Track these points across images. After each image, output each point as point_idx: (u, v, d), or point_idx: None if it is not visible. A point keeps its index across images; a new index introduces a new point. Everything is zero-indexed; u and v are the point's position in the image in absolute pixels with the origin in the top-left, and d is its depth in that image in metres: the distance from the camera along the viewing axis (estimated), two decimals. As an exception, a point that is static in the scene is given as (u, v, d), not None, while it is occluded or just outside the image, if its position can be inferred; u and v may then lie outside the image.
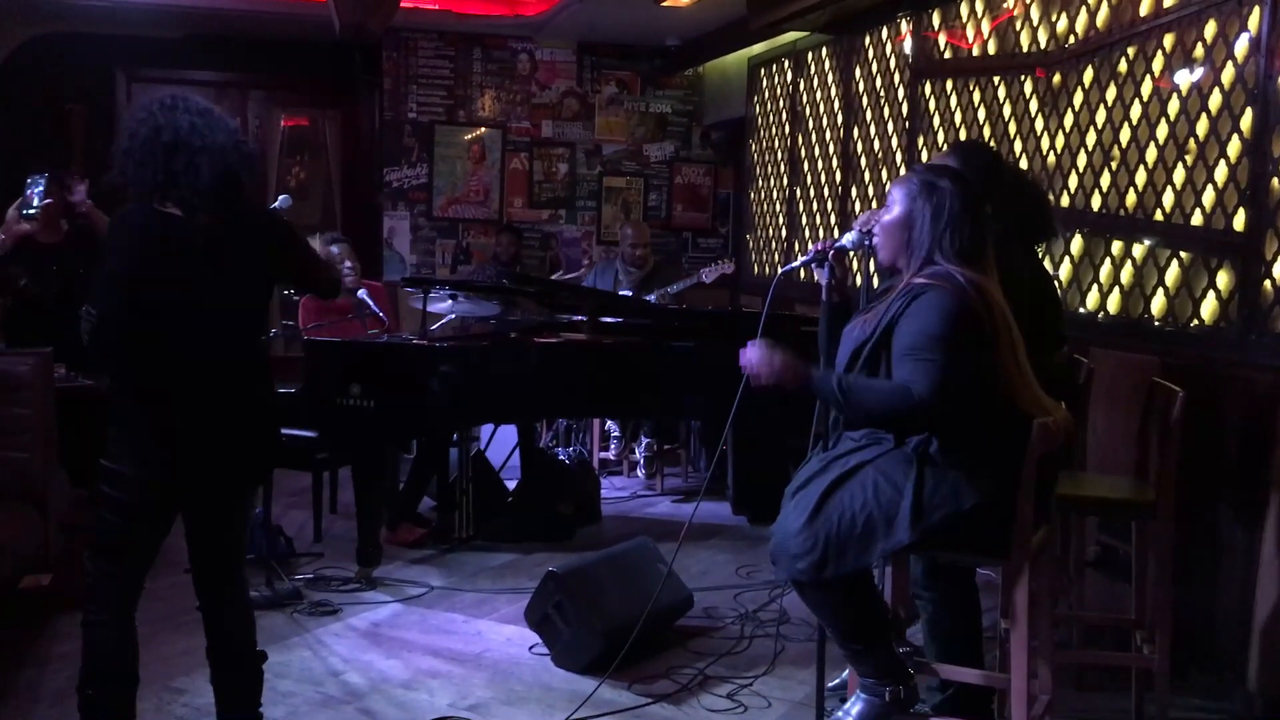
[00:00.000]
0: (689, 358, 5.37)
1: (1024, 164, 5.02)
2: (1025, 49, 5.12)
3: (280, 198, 4.09)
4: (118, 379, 2.93)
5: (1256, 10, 3.82)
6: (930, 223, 2.87)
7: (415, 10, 7.79)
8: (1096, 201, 4.60)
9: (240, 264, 2.93)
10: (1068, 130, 4.79)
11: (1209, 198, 4.02)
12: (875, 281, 3.43)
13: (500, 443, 6.30)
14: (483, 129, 8.84)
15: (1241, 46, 3.91)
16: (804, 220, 7.39)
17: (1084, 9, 4.72)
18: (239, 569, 3.10)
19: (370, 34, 6.97)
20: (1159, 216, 4.27)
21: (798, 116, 7.48)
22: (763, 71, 8.04)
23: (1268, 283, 3.75)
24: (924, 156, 5.88)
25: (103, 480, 2.89)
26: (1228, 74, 3.95)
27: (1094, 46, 4.64)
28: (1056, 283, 4.63)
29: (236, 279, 2.92)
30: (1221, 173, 3.97)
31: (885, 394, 2.78)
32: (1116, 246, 4.50)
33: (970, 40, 5.55)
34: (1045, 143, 4.94)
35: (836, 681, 3.58)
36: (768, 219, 8.00)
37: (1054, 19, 4.92)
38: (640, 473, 6.92)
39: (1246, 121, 3.86)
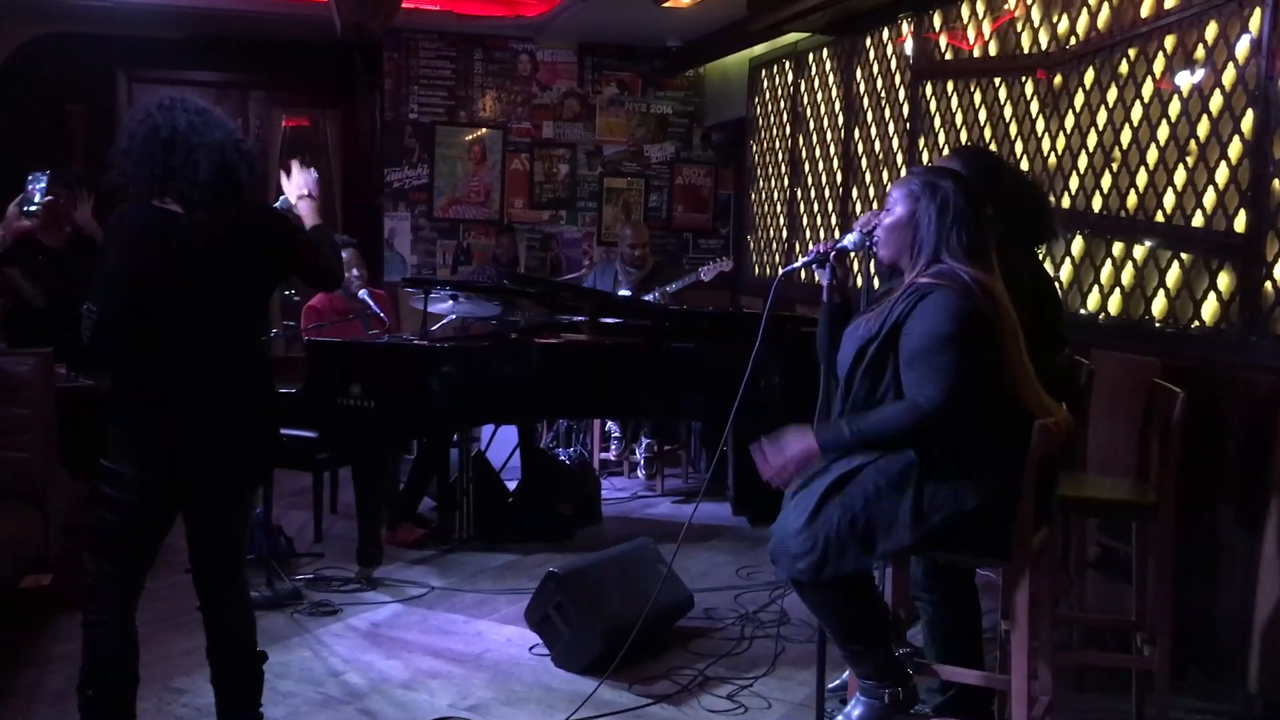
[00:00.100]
0: (689, 358, 5.37)
1: (1025, 165, 5.02)
2: (1026, 50, 5.12)
3: (281, 198, 4.08)
4: (118, 379, 2.93)
5: (1257, 11, 3.82)
6: (935, 221, 2.87)
7: (416, 11, 7.80)
8: (1097, 203, 4.60)
9: (240, 263, 2.93)
10: (1068, 131, 4.79)
11: (1210, 199, 4.02)
12: (875, 283, 3.42)
13: (501, 443, 6.30)
14: (484, 130, 8.84)
15: (1242, 48, 3.91)
16: (805, 221, 7.39)
17: (1085, 10, 4.72)
18: (239, 569, 3.10)
19: (371, 34, 6.98)
20: (1160, 218, 4.27)
21: (798, 117, 7.48)
22: (763, 72, 8.05)
23: (1269, 284, 3.75)
24: (925, 158, 5.89)
25: (103, 480, 2.89)
26: (1229, 75, 3.95)
27: (1095, 48, 4.64)
28: (1057, 284, 4.63)
29: (237, 278, 2.92)
30: (1222, 174, 3.97)
31: (895, 418, 2.76)
32: (1117, 248, 4.51)
33: (971, 41, 5.55)
34: (1046, 144, 4.94)
35: (837, 683, 3.58)
36: (768, 220, 8.00)
37: (1055, 20, 4.92)
38: (640, 473, 6.92)
39: (1247, 123, 3.86)
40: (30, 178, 2.95)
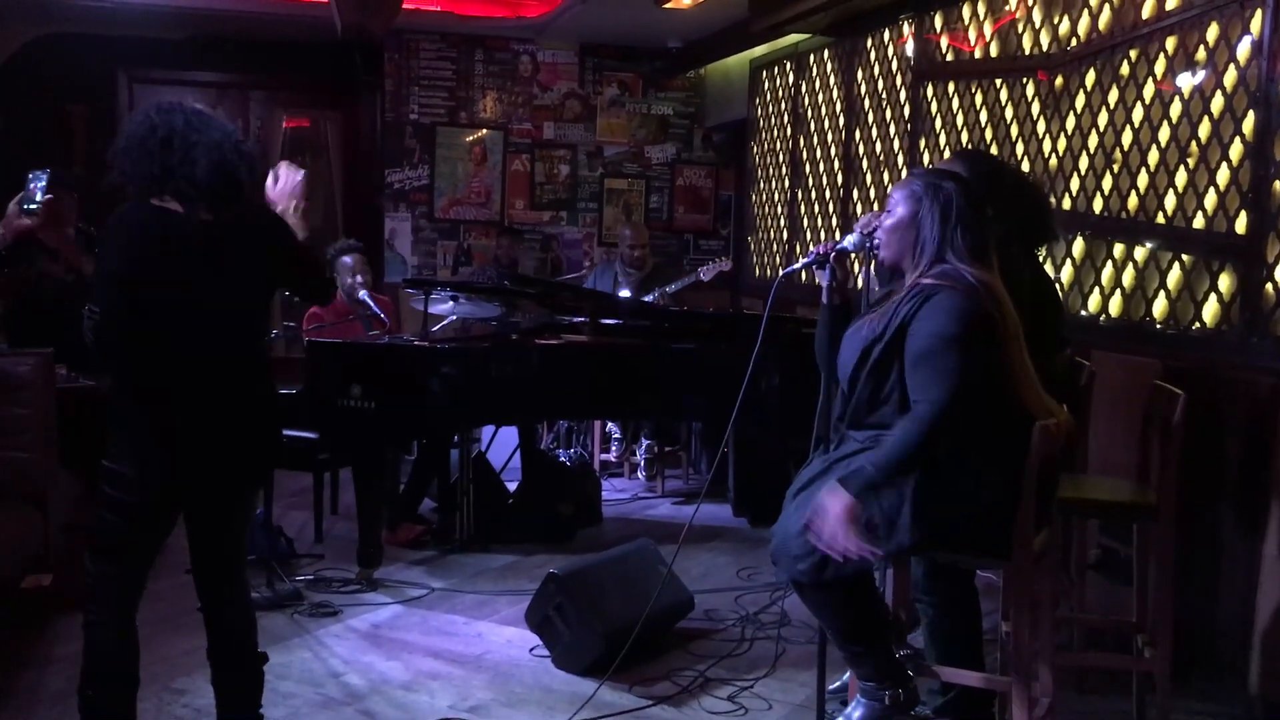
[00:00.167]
0: (690, 359, 5.37)
1: (1026, 166, 5.01)
2: (1027, 51, 5.12)
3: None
4: (118, 379, 2.93)
5: (1259, 13, 3.82)
6: (939, 222, 2.87)
7: (417, 12, 7.79)
8: (1098, 204, 4.60)
9: (240, 263, 2.93)
10: (1069, 133, 4.79)
11: (1211, 201, 4.02)
12: (875, 285, 3.42)
13: (501, 444, 6.30)
14: (484, 130, 8.84)
15: (1243, 49, 3.91)
16: (805, 222, 7.39)
17: (1086, 12, 4.72)
18: (240, 569, 3.10)
19: (372, 35, 6.98)
20: (1161, 219, 4.26)
21: (799, 118, 7.48)
22: (764, 73, 8.05)
23: (1269, 286, 3.75)
24: (926, 159, 5.89)
25: (103, 481, 2.89)
26: (1230, 77, 3.95)
27: (1096, 49, 4.64)
28: (1058, 285, 4.63)
29: (237, 278, 2.92)
30: (1223, 175, 3.97)
31: (905, 437, 2.74)
32: (1118, 249, 4.50)
33: (972, 43, 5.55)
34: (1047, 145, 4.94)
35: (837, 684, 3.57)
36: (769, 221, 8.00)
37: (1056, 22, 4.92)
38: (641, 474, 6.91)
39: (1248, 124, 3.86)
40: (30, 176, 2.95)
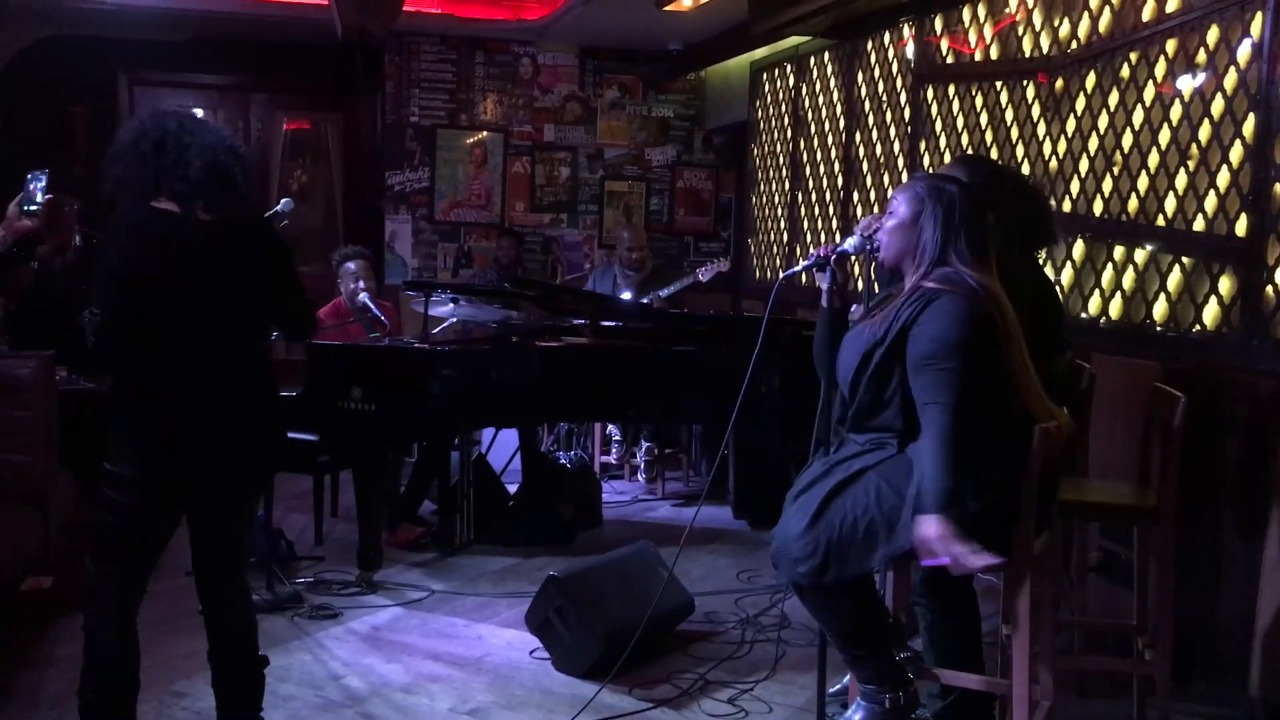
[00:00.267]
0: (690, 362, 5.37)
1: (1026, 169, 5.01)
2: (1028, 54, 5.12)
3: (282, 201, 4.09)
4: (118, 380, 2.93)
5: (1259, 16, 3.82)
6: (941, 224, 2.87)
7: (417, 14, 7.80)
8: (1099, 206, 4.60)
9: (240, 263, 2.93)
10: (1070, 135, 4.79)
11: (1211, 203, 4.02)
12: (875, 287, 3.42)
13: (501, 446, 6.30)
14: (485, 133, 8.84)
15: (1244, 52, 3.91)
16: (805, 225, 7.39)
17: (1086, 14, 4.72)
18: (240, 569, 3.09)
19: (372, 37, 6.98)
20: (1161, 222, 4.26)
21: (800, 121, 7.48)
22: (765, 76, 8.05)
23: (1270, 288, 3.75)
24: (926, 161, 5.89)
25: (104, 483, 2.89)
26: (1230, 79, 3.95)
27: (1096, 51, 4.64)
28: (1058, 288, 4.63)
29: (236, 278, 2.92)
30: (1224, 178, 3.97)
31: (939, 441, 2.70)
32: (1118, 252, 4.50)
33: (972, 45, 5.55)
34: (1047, 148, 4.94)
35: (838, 687, 3.57)
36: (769, 223, 8.00)
37: (1056, 24, 4.92)
38: (641, 477, 6.91)
39: (1249, 127, 3.86)
40: (30, 176, 2.94)
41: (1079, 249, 4.72)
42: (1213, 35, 4.04)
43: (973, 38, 5.54)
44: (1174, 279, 4.20)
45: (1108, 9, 4.60)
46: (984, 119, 5.42)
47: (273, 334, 3.43)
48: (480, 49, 8.75)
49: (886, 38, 6.34)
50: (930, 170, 5.61)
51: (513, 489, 5.90)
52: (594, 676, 3.83)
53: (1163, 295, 4.24)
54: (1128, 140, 4.44)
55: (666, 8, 7.07)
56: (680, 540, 3.86)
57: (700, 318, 6.18)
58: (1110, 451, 4.15)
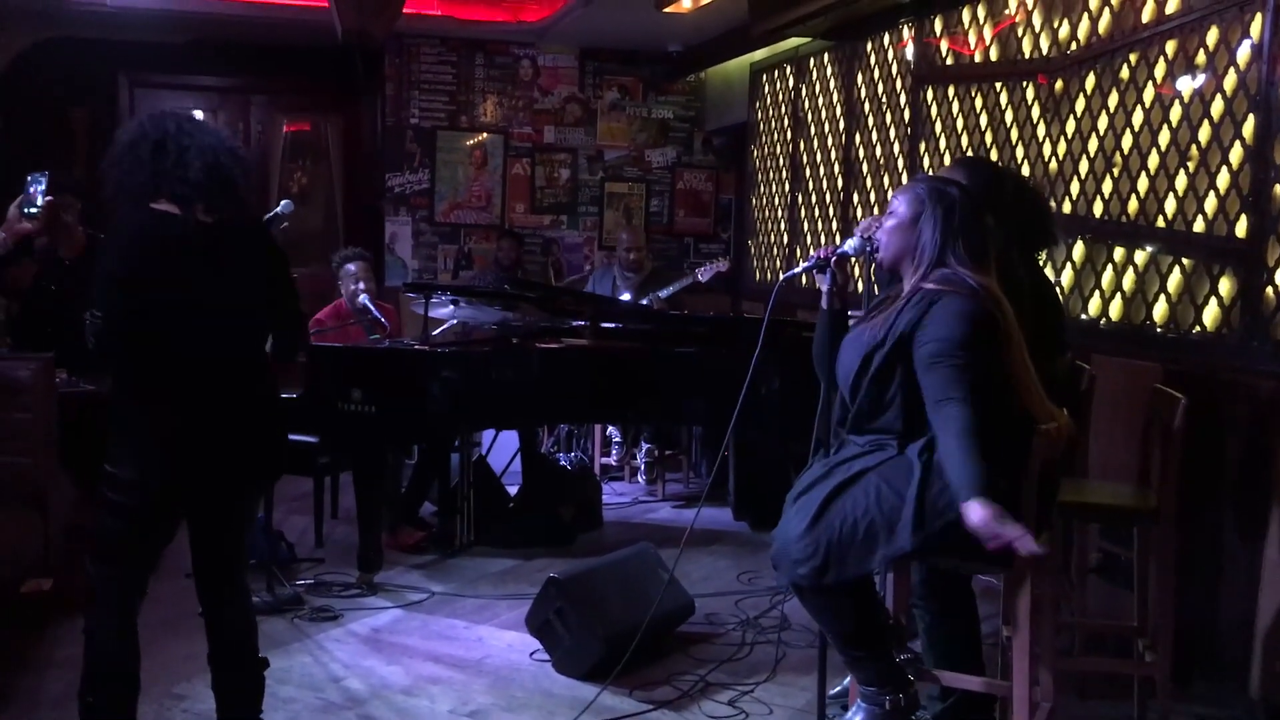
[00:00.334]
0: (690, 363, 5.36)
1: (1026, 170, 5.02)
2: (1027, 55, 5.12)
3: (282, 203, 4.09)
4: (118, 381, 2.93)
5: (1259, 16, 3.82)
6: (941, 225, 2.87)
7: (418, 16, 7.80)
8: (1098, 208, 4.60)
9: (240, 264, 2.93)
10: (1070, 136, 4.79)
11: (1211, 204, 4.02)
12: (875, 289, 3.42)
13: (502, 448, 6.30)
14: (485, 134, 8.85)
15: (1244, 53, 3.91)
16: (805, 226, 7.39)
17: (1086, 15, 4.72)
18: (240, 570, 3.09)
19: (373, 39, 6.98)
20: (1161, 223, 4.27)
21: (799, 122, 7.48)
22: (765, 77, 8.05)
23: (1270, 289, 3.75)
24: (926, 163, 5.89)
25: (104, 485, 2.89)
26: (1230, 80, 3.95)
27: (1096, 53, 4.64)
28: (1058, 289, 4.63)
29: (236, 278, 2.92)
30: (1224, 179, 3.97)
31: (963, 432, 2.68)
32: (1119, 253, 4.50)
33: (972, 46, 5.55)
34: (1047, 149, 4.94)
35: (838, 689, 3.57)
36: (769, 224, 8.00)
37: (1056, 25, 4.92)
38: (641, 478, 6.91)
39: (1249, 128, 3.86)
40: (30, 178, 2.94)
41: (1079, 250, 4.72)
42: (1212, 36, 4.04)
43: (972, 39, 5.54)
44: (1174, 280, 4.20)
45: (1107, 10, 4.60)
46: (984, 120, 5.42)
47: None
48: (480, 51, 8.75)
49: (886, 39, 6.35)
50: (930, 172, 5.61)
51: (513, 491, 5.90)
52: (594, 678, 3.83)
53: (1163, 296, 4.24)
54: (1127, 141, 4.44)
55: (666, 9, 7.07)
56: (681, 542, 3.86)
57: (700, 319, 6.18)
58: (1110, 453, 4.14)
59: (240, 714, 3.06)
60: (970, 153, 5.43)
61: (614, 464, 7.08)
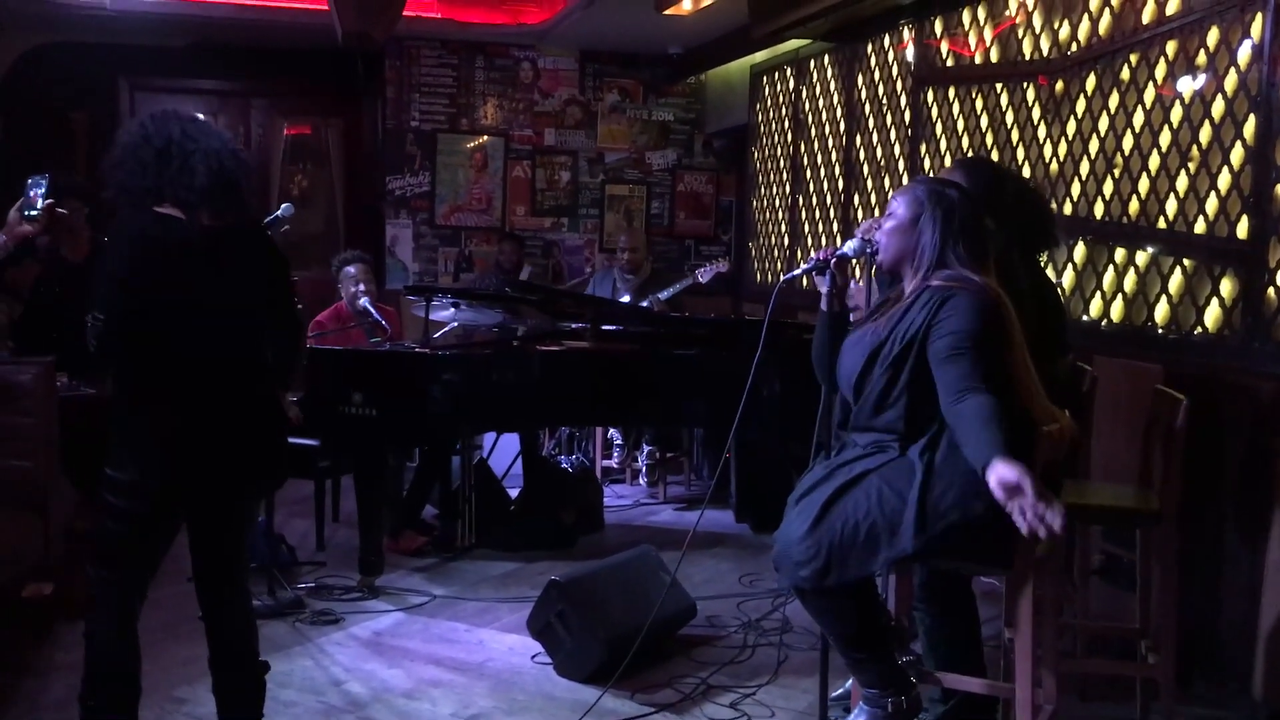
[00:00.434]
0: (691, 365, 5.36)
1: (1026, 171, 5.01)
2: (1028, 56, 5.12)
3: (283, 206, 4.09)
4: (118, 382, 2.92)
5: (1259, 17, 3.82)
6: (941, 227, 2.87)
7: (418, 19, 7.80)
8: (1099, 209, 4.59)
9: (241, 264, 2.93)
10: (1070, 138, 4.79)
11: (1212, 205, 4.02)
12: (876, 290, 3.42)
13: (503, 451, 6.30)
14: (485, 137, 8.85)
15: (1244, 53, 3.91)
16: (806, 228, 7.39)
17: (1086, 16, 4.72)
18: (240, 571, 3.08)
19: (373, 42, 6.97)
20: (1162, 224, 4.26)
21: (800, 124, 7.48)
22: (765, 79, 8.05)
23: (1271, 290, 3.74)
24: (927, 164, 5.88)
25: (105, 488, 2.89)
26: (1230, 81, 3.95)
27: (1096, 54, 4.64)
28: (1060, 290, 4.62)
29: (237, 279, 2.91)
30: (1225, 180, 3.96)
31: (984, 417, 2.65)
32: (1120, 254, 4.50)
33: (972, 48, 5.55)
34: (1048, 150, 4.94)
35: (840, 691, 3.57)
36: (770, 226, 8.00)
37: (1056, 26, 4.92)
38: (643, 480, 6.91)
39: (1250, 129, 3.85)
40: (30, 181, 2.94)
41: (1080, 251, 4.71)
42: (1213, 37, 4.03)
43: (973, 40, 5.54)
44: (1175, 281, 4.19)
45: (1107, 11, 4.60)
46: (984, 121, 5.42)
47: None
48: (480, 53, 8.75)
49: (886, 40, 6.34)
50: (931, 173, 5.61)
51: (514, 494, 5.90)
52: (596, 681, 3.82)
53: (1164, 298, 4.24)
54: (1128, 142, 4.44)
55: (666, 11, 7.07)
56: (682, 544, 3.86)
57: (701, 321, 6.18)
58: (1112, 454, 4.14)
59: (241, 717, 3.06)
60: (971, 154, 5.43)
61: (615, 466, 7.07)
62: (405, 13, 6.51)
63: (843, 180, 6.85)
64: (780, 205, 7.79)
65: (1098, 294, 4.60)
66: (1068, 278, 4.75)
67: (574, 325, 5.79)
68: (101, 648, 2.92)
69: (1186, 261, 4.14)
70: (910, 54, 6.09)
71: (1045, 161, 4.94)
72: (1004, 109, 5.27)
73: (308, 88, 8.90)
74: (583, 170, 9.04)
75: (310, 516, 5.53)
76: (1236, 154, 3.91)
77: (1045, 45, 5.00)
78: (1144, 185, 4.35)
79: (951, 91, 5.71)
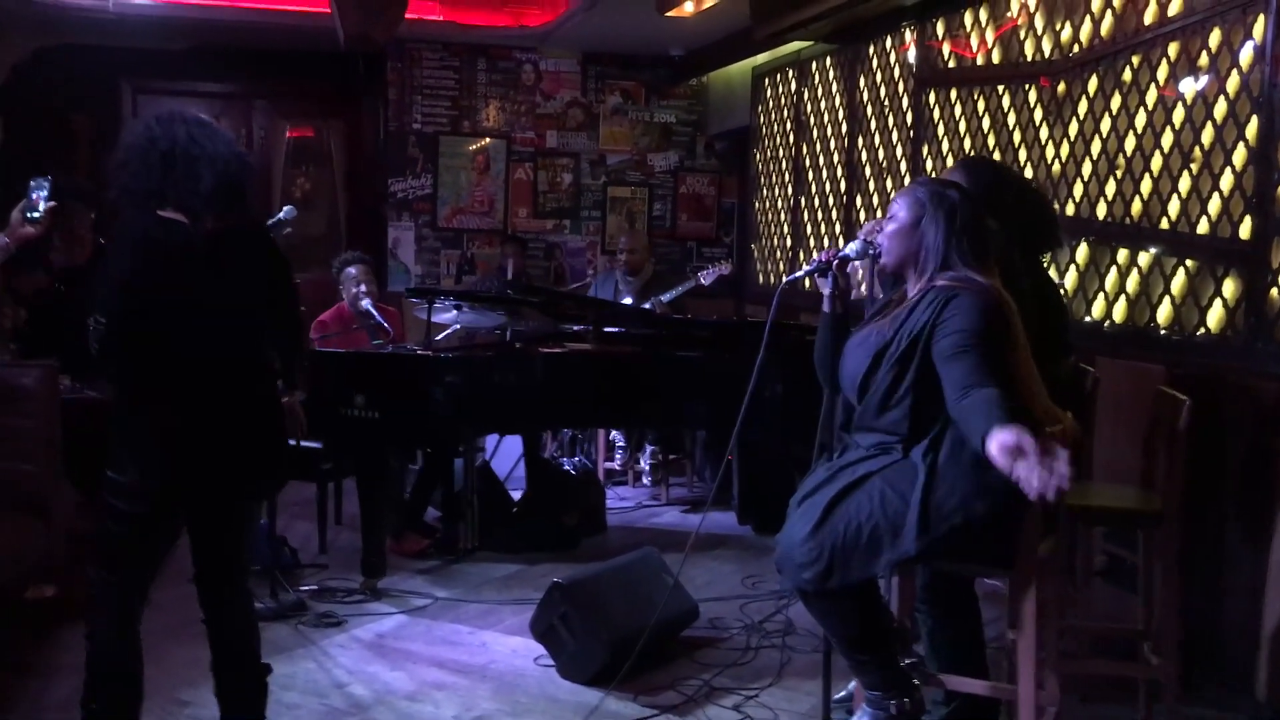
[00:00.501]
0: (693, 367, 5.36)
1: (1029, 173, 5.01)
2: (1029, 58, 5.12)
3: (285, 209, 4.09)
4: (119, 383, 2.93)
5: (1261, 18, 3.82)
6: (944, 228, 2.88)
7: (419, 21, 7.81)
8: (1102, 210, 4.59)
9: (241, 264, 2.93)
10: (1072, 139, 4.79)
11: (1215, 206, 4.01)
12: (880, 291, 3.42)
13: (505, 453, 6.30)
14: (487, 139, 8.85)
15: (1246, 54, 3.91)
16: (809, 230, 7.39)
17: (1088, 18, 4.72)
18: (239, 571, 3.08)
19: (375, 44, 6.98)
20: (1164, 225, 4.26)
21: (802, 126, 7.48)
22: (767, 81, 8.05)
23: (1274, 291, 3.74)
24: (929, 166, 5.88)
25: (106, 490, 2.89)
26: (1232, 82, 3.95)
27: (1098, 55, 4.64)
28: (1062, 291, 4.62)
29: (237, 279, 2.91)
30: (1227, 181, 3.96)
31: (992, 400, 2.64)
32: (1122, 255, 4.50)
33: (974, 49, 5.55)
34: (1050, 151, 4.94)
35: (843, 693, 3.56)
36: (772, 228, 8.00)
37: (1058, 28, 4.91)
38: (645, 482, 6.90)
39: (1252, 130, 3.85)
40: (32, 183, 2.95)
41: (1082, 252, 4.71)
42: (1215, 38, 4.03)
43: (974, 42, 5.54)
44: (1178, 282, 4.19)
45: (1109, 12, 4.60)
46: (986, 123, 5.41)
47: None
48: (482, 56, 8.76)
49: (888, 42, 6.34)
50: (933, 174, 5.61)
51: (517, 496, 5.90)
52: (599, 683, 3.82)
53: (1167, 299, 4.23)
54: (1130, 143, 4.44)
55: (668, 13, 7.07)
56: (685, 546, 3.86)
57: (703, 323, 6.17)
58: (1115, 455, 4.14)
59: (243, 719, 3.06)
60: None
61: (618, 468, 7.07)
62: (407, 15, 6.51)
63: (845, 182, 6.85)
64: (782, 207, 7.79)
65: (1100, 295, 4.59)
66: (1070, 279, 4.75)
67: (576, 327, 5.79)
68: (102, 650, 2.92)
69: (1189, 262, 4.14)
70: (912, 56, 6.09)
71: (1047, 163, 4.94)
72: (1006, 110, 5.27)
73: (310, 90, 8.91)
74: (585, 172, 9.05)
75: (312, 519, 5.53)
76: (1239, 155, 3.91)
77: (1047, 47, 5.00)
78: (1146, 186, 4.35)
79: (953, 93, 5.71)
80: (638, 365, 5.42)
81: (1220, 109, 4.00)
